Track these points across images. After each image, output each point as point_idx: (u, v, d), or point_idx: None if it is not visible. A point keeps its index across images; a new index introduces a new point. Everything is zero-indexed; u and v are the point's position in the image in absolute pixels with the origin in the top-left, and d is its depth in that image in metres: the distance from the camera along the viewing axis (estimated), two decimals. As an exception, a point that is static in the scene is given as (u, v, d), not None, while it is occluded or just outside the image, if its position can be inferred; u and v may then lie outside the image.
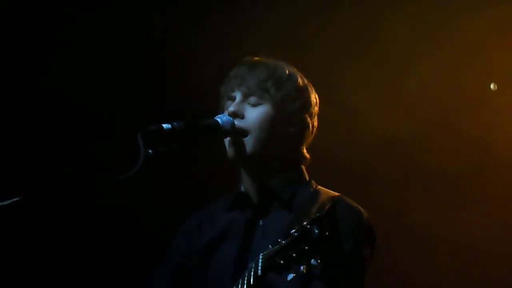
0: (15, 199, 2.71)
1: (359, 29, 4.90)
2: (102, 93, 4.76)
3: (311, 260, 2.69)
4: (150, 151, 2.92)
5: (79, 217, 4.77)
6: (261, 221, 3.18)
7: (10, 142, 4.65)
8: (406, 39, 4.90)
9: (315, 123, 3.32)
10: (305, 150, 3.31)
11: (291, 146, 3.26)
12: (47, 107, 4.72)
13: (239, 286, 2.83)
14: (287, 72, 3.26)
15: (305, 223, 2.72)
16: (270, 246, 2.78)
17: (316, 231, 2.69)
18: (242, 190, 3.28)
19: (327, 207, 2.93)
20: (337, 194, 3.21)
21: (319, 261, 2.69)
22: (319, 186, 3.28)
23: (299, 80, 3.28)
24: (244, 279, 2.81)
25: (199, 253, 3.25)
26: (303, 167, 3.31)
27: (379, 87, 4.92)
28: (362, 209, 3.18)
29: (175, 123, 3.02)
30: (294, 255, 2.69)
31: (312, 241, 2.69)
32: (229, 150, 3.20)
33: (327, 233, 2.69)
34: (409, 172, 4.97)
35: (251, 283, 2.79)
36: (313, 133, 3.32)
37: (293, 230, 2.74)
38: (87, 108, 4.73)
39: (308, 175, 3.31)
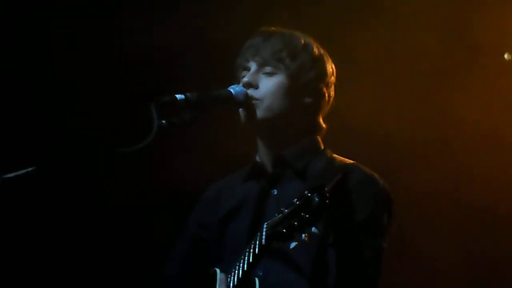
0: (29, 169, 2.71)
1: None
2: (113, 65, 4.76)
3: (311, 228, 2.70)
4: (163, 121, 2.93)
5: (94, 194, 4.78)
6: (275, 190, 3.19)
7: (20, 115, 4.67)
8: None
9: (332, 93, 3.31)
10: (321, 120, 3.30)
11: (307, 116, 3.25)
12: (57, 79, 4.73)
13: (246, 255, 2.86)
14: (303, 42, 3.26)
15: (306, 191, 2.73)
16: (275, 215, 2.79)
17: (316, 199, 2.69)
18: (258, 160, 3.28)
19: (337, 177, 2.91)
20: (352, 162, 3.21)
21: (319, 229, 2.71)
22: (335, 155, 3.27)
23: (315, 49, 3.27)
24: (250, 249, 2.84)
25: (217, 223, 3.27)
26: (319, 137, 3.30)
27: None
28: (378, 176, 3.16)
29: (188, 94, 3.02)
30: (295, 223, 2.70)
31: (312, 209, 2.69)
32: (241, 115, 3.21)
33: (327, 201, 2.69)
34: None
35: (256, 252, 2.82)
36: (330, 103, 3.32)
37: (295, 199, 2.75)
38: (97, 80, 4.74)
39: (324, 145, 3.30)
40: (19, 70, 4.67)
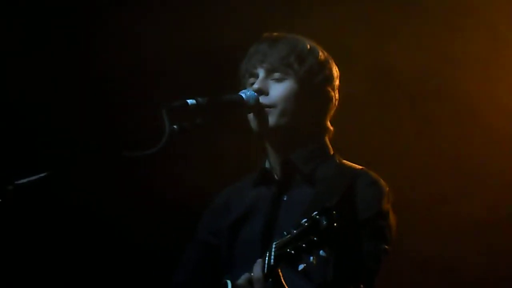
0: (42, 175, 2.72)
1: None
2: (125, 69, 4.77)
3: (319, 251, 2.70)
4: (174, 126, 2.94)
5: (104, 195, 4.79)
6: (285, 196, 3.20)
7: (32, 119, 4.67)
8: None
9: (337, 96, 3.34)
10: (328, 123, 3.32)
11: (315, 120, 3.27)
12: (70, 82, 4.74)
13: (254, 273, 2.87)
14: (308, 46, 3.28)
15: (314, 213, 2.72)
16: (284, 233, 2.79)
17: (325, 222, 2.68)
18: (267, 165, 3.29)
19: (343, 191, 2.99)
20: (360, 167, 3.23)
21: (327, 252, 2.70)
22: (344, 160, 3.29)
23: (321, 53, 3.29)
24: (259, 267, 2.84)
25: (226, 230, 3.27)
26: (327, 140, 3.31)
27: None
28: (383, 182, 3.19)
29: (199, 99, 3.03)
30: (304, 245, 2.70)
31: (321, 232, 2.69)
32: (254, 123, 3.22)
33: (335, 224, 2.69)
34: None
35: (265, 271, 2.83)
36: (336, 105, 3.33)
37: (304, 220, 2.74)
38: (112, 84, 4.75)
39: (333, 149, 3.31)
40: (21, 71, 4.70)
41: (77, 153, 2.81)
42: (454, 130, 4.88)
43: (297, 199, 3.13)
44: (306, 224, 2.72)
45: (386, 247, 3.12)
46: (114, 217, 4.78)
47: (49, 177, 2.76)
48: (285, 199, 3.19)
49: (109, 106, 4.69)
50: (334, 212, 2.69)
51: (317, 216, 2.71)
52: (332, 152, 3.30)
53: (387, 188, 3.19)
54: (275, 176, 3.25)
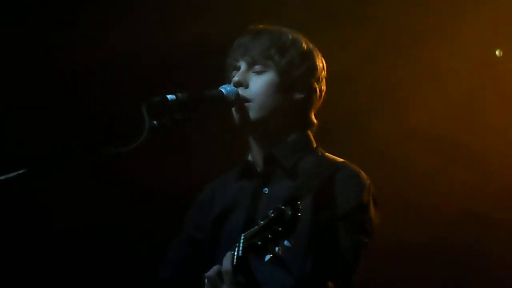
0: (20, 172, 2.70)
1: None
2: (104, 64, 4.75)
3: (284, 241, 2.69)
4: (154, 122, 2.92)
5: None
6: (266, 189, 3.20)
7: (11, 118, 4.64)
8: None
9: (323, 88, 3.32)
10: (313, 116, 3.30)
11: (298, 112, 3.26)
12: (47, 77, 4.74)
13: (223, 265, 2.87)
14: (291, 37, 3.25)
15: (280, 204, 2.72)
16: (256, 226, 2.78)
17: (289, 213, 2.68)
18: (250, 159, 3.29)
19: (322, 183, 3.01)
20: (341, 160, 3.22)
21: (292, 242, 2.69)
22: (326, 153, 3.28)
23: (304, 45, 3.27)
24: (228, 259, 2.84)
25: (210, 224, 3.27)
26: (310, 134, 3.30)
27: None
28: (364, 175, 3.18)
29: (179, 94, 3.02)
30: (269, 236, 2.70)
31: (285, 223, 2.68)
32: (235, 118, 3.21)
33: (299, 214, 2.68)
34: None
35: (234, 263, 2.82)
36: (321, 98, 3.32)
37: (271, 211, 2.74)
38: (90, 81, 4.73)
39: (315, 142, 3.30)
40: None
41: (55, 150, 2.77)
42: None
43: (278, 192, 3.13)
44: (272, 215, 2.72)
45: (366, 240, 3.11)
46: (92, 214, 4.78)
47: (26, 174, 2.73)
48: (266, 192, 3.19)
49: (88, 101, 4.68)
50: (298, 202, 2.68)
51: (283, 207, 2.70)
52: (315, 145, 3.29)
53: (368, 181, 3.17)
54: (258, 169, 3.25)
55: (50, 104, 4.70)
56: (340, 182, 3.10)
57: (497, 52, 4.78)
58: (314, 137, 3.31)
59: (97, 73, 4.71)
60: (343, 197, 3.07)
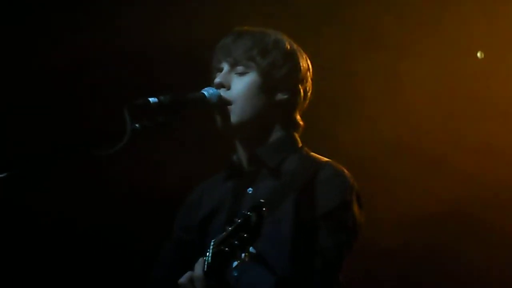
0: (0, 175, 2.70)
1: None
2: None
3: (250, 247, 2.70)
4: (136, 125, 2.93)
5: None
6: (250, 189, 3.20)
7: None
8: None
9: (309, 89, 3.31)
10: (298, 117, 3.30)
11: (282, 113, 3.25)
12: (31, 78, 4.74)
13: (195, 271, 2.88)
14: (274, 38, 3.25)
15: (246, 210, 2.73)
16: (224, 232, 2.79)
17: (254, 219, 2.68)
18: (235, 159, 3.29)
19: (304, 183, 3.01)
20: (326, 160, 3.22)
21: (257, 248, 2.73)
22: (312, 153, 3.28)
23: (287, 45, 3.26)
24: (200, 265, 2.86)
25: (197, 225, 3.28)
26: (296, 134, 3.30)
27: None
28: (348, 174, 3.17)
29: (161, 97, 3.02)
30: (236, 242, 2.71)
31: (251, 229, 2.69)
32: (217, 120, 3.21)
33: (263, 221, 2.69)
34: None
35: (204, 269, 2.83)
36: (306, 99, 3.31)
37: (237, 218, 2.75)
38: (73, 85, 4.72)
39: (301, 142, 3.30)
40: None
41: (40, 152, 2.78)
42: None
43: (262, 192, 3.13)
44: (238, 221, 2.73)
45: (349, 239, 3.11)
46: (84, 215, 4.79)
47: (11, 177, 2.74)
48: (250, 192, 3.19)
49: (71, 103, 4.69)
50: (263, 208, 2.69)
51: (248, 213, 2.71)
52: (300, 145, 3.29)
53: (352, 180, 3.16)
54: (243, 170, 3.25)
55: (34, 105, 4.70)
56: (323, 181, 3.10)
57: (478, 54, 4.79)
58: (299, 138, 3.31)
59: (81, 74, 4.72)
60: (326, 195, 3.07)
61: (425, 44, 4.82)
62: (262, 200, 2.72)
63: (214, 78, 3.25)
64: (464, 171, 4.83)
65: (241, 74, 3.20)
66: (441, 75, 4.83)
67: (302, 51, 3.31)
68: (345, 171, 3.17)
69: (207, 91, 3.15)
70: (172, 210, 3.49)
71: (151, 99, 2.99)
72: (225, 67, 3.22)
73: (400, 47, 4.82)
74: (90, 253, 4.84)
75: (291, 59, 3.25)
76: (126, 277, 4.65)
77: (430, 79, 4.83)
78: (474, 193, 4.81)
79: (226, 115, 3.17)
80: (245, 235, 2.68)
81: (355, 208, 3.14)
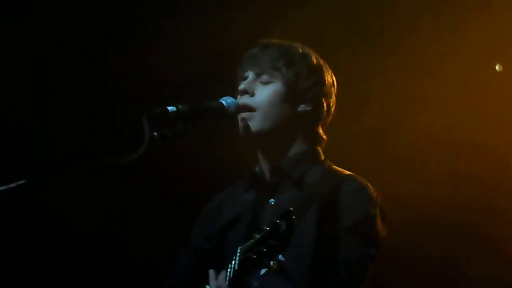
0: (20, 182, 2.71)
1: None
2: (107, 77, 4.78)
3: (279, 255, 2.70)
4: (154, 133, 2.93)
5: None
6: (272, 200, 3.20)
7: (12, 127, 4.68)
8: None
9: (332, 104, 3.32)
10: (321, 131, 3.30)
11: (304, 125, 3.26)
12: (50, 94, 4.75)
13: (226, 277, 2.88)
14: (300, 51, 3.28)
15: (275, 218, 2.72)
16: (252, 240, 2.79)
17: (284, 226, 2.67)
18: (257, 169, 3.29)
19: (327, 195, 3.01)
20: (348, 173, 3.21)
21: (286, 257, 2.71)
22: (334, 166, 3.27)
23: (313, 59, 3.28)
24: (227, 272, 2.86)
25: (217, 234, 3.28)
26: (319, 148, 3.29)
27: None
28: (372, 188, 3.17)
29: (180, 106, 3.02)
30: (264, 250, 2.70)
31: (280, 236, 2.68)
32: (239, 127, 3.22)
33: (293, 228, 2.68)
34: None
35: (231, 276, 2.84)
36: (330, 114, 3.32)
37: (266, 225, 2.74)
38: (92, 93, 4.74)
39: (324, 155, 3.30)
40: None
41: (57, 159, 2.79)
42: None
43: (283, 203, 3.12)
44: (267, 229, 2.73)
45: (373, 253, 3.11)
46: (95, 225, 4.80)
47: (28, 184, 2.75)
48: (272, 203, 3.20)
49: (90, 111, 4.71)
50: (293, 216, 2.68)
51: (278, 221, 2.70)
52: (322, 158, 3.29)
53: (375, 193, 3.16)
54: (265, 180, 3.25)
55: (51, 111, 4.74)
56: (346, 194, 3.11)
57: (497, 67, 4.77)
58: (323, 152, 3.30)
59: (101, 82, 4.75)
60: (349, 209, 3.07)
61: (443, 59, 4.80)
62: (291, 208, 2.71)
63: (239, 86, 3.27)
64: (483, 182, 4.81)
65: (266, 83, 3.22)
66: (459, 88, 4.81)
67: (327, 66, 3.33)
68: (369, 184, 3.18)
69: (225, 101, 3.16)
70: (188, 217, 3.50)
71: (170, 108, 3.00)
72: (250, 75, 3.25)
73: (418, 63, 4.81)
74: (103, 260, 4.85)
75: (316, 72, 3.27)
76: (141, 283, 4.66)
77: (448, 95, 4.81)
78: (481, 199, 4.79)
79: (248, 123, 3.18)
80: (274, 243, 2.68)
81: (379, 221, 3.14)
